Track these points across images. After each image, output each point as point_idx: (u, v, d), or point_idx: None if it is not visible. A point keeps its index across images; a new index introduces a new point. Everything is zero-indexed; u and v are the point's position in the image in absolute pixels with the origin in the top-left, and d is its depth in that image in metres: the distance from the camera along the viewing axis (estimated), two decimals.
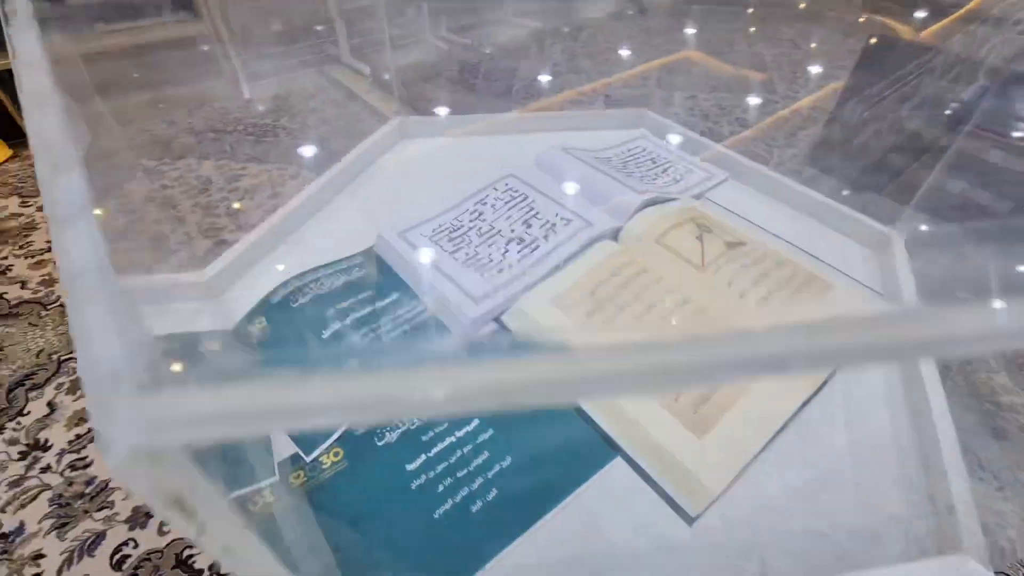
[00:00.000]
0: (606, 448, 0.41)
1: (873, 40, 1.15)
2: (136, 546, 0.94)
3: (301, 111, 2.13)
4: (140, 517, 0.98)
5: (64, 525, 0.97)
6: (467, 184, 0.66)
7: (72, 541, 0.95)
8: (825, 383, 0.45)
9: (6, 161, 1.80)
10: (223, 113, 2.10)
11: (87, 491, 1.02)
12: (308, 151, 1.91)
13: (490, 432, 0.42)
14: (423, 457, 0.41)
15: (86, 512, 0.99)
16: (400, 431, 0.42)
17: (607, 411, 0.43)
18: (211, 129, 2.01)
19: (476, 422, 0.43)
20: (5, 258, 1.47)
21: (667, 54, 2.86)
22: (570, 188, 0.61)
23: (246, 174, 1.80)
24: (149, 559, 0.94)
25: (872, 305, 0.52)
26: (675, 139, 0.74)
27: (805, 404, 0.43)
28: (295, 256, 0.56)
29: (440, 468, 0.40)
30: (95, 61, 2.05)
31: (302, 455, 0.40)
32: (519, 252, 0.53)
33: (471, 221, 0.57)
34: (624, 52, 2.88)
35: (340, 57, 2.49)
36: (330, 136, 2.00)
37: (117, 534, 0.96)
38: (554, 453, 0.41)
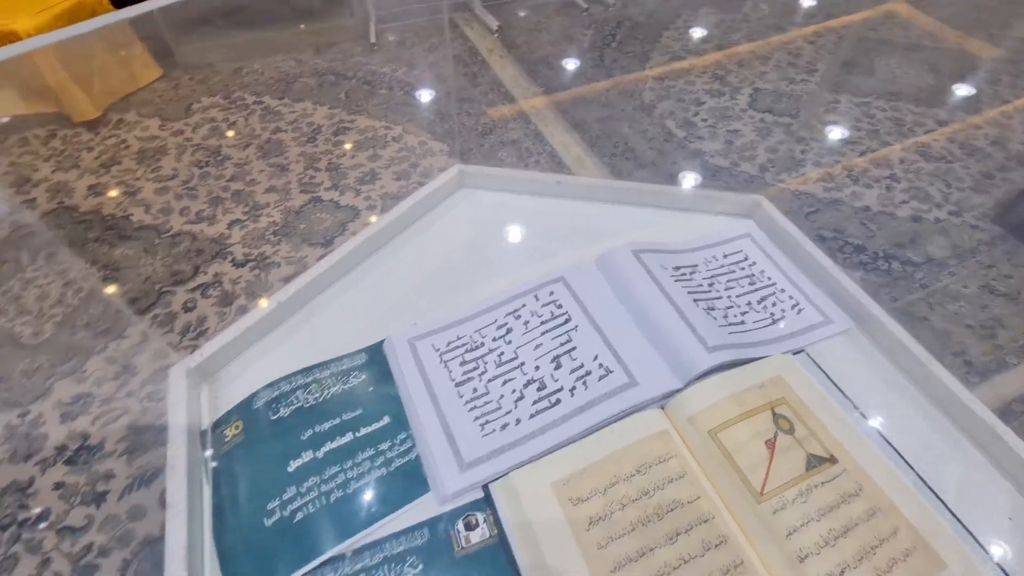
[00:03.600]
0: None
1: None
2: None
3: (420, 64, 2.07)
4: None
5: (132, 452, 1.10)
6: (514, 266, 0.57)
7: (136, 468, 1.07)
8: None
9: (155, 81, 1.95)
10: (346, 56, 2.10)
11: (157, 424, 1.14)
12: (415, 112, 1.86)
13: None
14: None
15: (151, 445, 1.11)
16: None
17: None
18: (332, 72, 2.02)
19: None
20: (138, 179, 1.62)
21: (866, 7, 2.35)
22: (626, 317, 0.49)
23: (354, 128, 1.80)
24: None
25: None
26: (788, 238, 0.57)
27: None
28: (303, 338, 0.51)
29: None
30: None
31: None
32: (535, 404, 0.44)
33: (495, 339, 0.48)
34: (808, 3, 2.44)
35: (472, 4, 2.36)
36: (441, 99, 1.93)
37: None
38: None
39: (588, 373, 0.45)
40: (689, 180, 1.67)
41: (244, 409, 0.45)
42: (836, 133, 1.86)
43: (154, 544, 0.97)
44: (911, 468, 0.43)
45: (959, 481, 0.43)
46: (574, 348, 0.47)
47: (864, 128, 1.88)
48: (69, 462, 1.07)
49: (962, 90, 2.04)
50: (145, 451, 1.07)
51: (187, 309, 1.32)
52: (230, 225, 1.50)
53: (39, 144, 1.72)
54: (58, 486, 1.03)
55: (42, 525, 0.99)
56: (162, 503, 1.01)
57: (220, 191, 1.59)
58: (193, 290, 1.35)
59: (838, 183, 1.69)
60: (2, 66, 1.72)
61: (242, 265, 1.41)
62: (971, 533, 0.40)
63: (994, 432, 0.43)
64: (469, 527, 0.40)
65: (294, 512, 0.40)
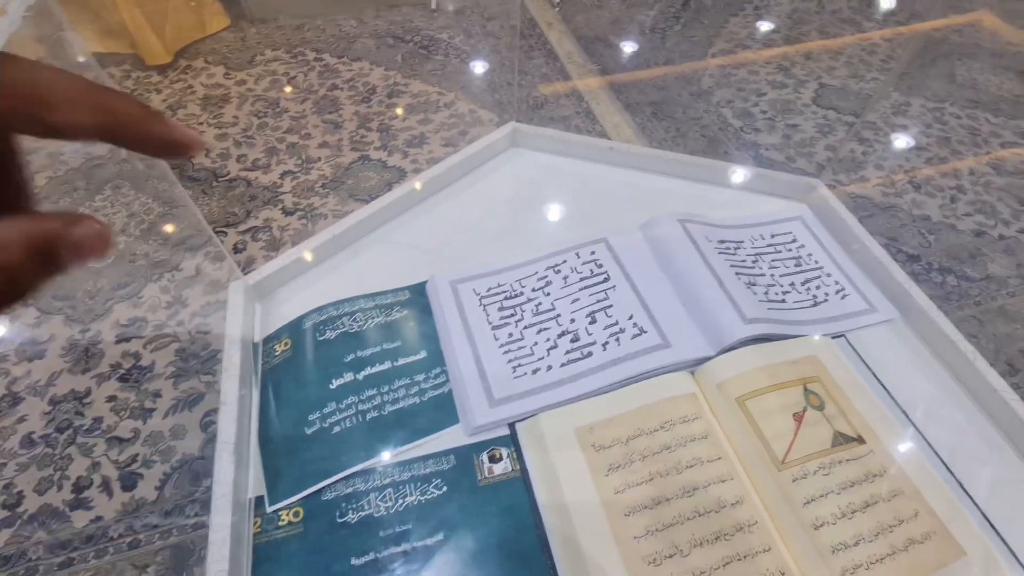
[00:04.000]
0: None
1: None
2: None
3: (477, 33, 2.07)
4: None
5: (179, 376, 1.17)
6: (558, 228, 0.58)
7: (180, 392, 1.15)
8: None
9: (223, 30, 2.01)
10: (407, 19, 2.11)
11: (202, 354, 1.21)
12: (469, 81, 1.87)
13: (440, 536, 0.38)
14: (371, 556, 0.38)
15: (196, 372, 1.18)
16: (364, 513, 0.40)
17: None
18: (391, 35, 2.04)
19: (441, 536, 0.39)
20: (200, 124, 1.69)
21: (952, 12, 2.21)
22: (665, 282, 0.50)
23: (407, 91, 1.82)
24: None
25: None
26: (842, 224, 0.56)
27: None
28: (350, 271, 0.54)
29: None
30: None
31: (265, 502, 0.40)
32: (567, 354, 0.45)
33: (534, 290, 0.50)
34: (887, 4, 2.31)
35: None
36: (495, 70, 1.93)
37: (211, 401, 1.14)
38: None
39: (622, 331, 0.46)
40: (740, 172, 1.63)
41: (294, 328, 0.48)
42: (903, 137, 1.77)
43: (192, 462, 1.04)
44: (942, 463, 0.43)
45: (992, 482, 0.42)
46: (610, 306, 0.48)
47: (934, 134, 1.78)
48: (122, 379, 1.15)
49: None
50: (190, 377, 1.15)
51: (237, 250, 1.38)
52: (283, 175, 1.55)
53: (114, 83, 1.80)
54: (111, 399, 1.12)
55: (95, 432, 1.07)
56: (203, 427, 1.08)
57: (276, 142, 1.64)
58: (244, 232, 1.41)
59: (898, 189, 1.62)
60: (87, 1, 1.79)
61: (291, 213, 1.46)
62: (997, 532, 0.40)
63: None
64: (493, 460, 0.42)
65: (332, 425, 0.42)
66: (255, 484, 0.41)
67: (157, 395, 1.12)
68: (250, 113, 1.72)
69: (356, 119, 1.72)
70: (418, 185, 0.58)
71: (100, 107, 0.13)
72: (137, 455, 1.04)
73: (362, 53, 1.95)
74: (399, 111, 1.74)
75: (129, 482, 1.01)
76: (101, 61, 1.88)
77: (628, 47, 2.06)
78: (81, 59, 1.94)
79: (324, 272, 0.54)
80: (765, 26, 2.20)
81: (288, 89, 1.81)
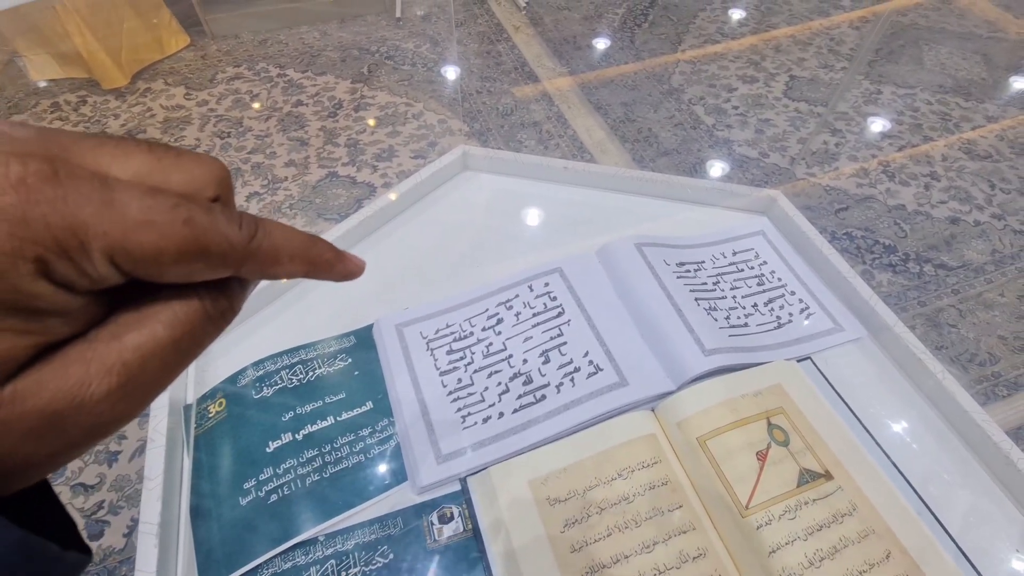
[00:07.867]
0: None
1: None
2: None
3: (444, 40, 2.03)
4: None
5: (144, 416, 1.12)
6: (513, 255, 0.55)
7: (146, 433, 1.10)
8: None
9: (183, 49, 1.96)
10: (371, 29, 2.08)
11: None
12: (437, 90, 1.83)
13: None
14: None
15: None
16: None
17: None
18: (356, 46, 2.00)
19: None
20: None
21: None
22: (622, 313, 0.48)
23: (375, 104, 1.79)
24: None
25: None
26: (804, 238, 0.54)
27: None
28: (294, 316, 0.51)
29: None
30: None
31: None
32: (519, 398, 0.43)
33: (483, 330, 0.47)
34: None
35: None
36: (464, 77, 1.90)
37: None
38: None
39: (577, 370, 0.44)
40: (715, 170, 1.62)
41: (229, 386, 0.45)
42: (875, 126, 1.77)
43: None
44: (914, 491, 0.41)
45: (967, 509, 0.41)
46: (564, 343, 0.46)
47: (906, 122, 1.78)
48: None
49: (1019, 83, 1.92)
50: None
51: None
52: (248, 197, 1.51)
53: (70, 110, 1.75)
54: None
55: (58, 480, 1.03)
56: None
57: (240, 163, 1.60)
58: None
59: (872, 179, 1.61)
60: (37, 27, 1.74)
61: None
62: (973, 566, 0.38)
63: (1008, 458, 0.41)
64: (443, 520, 0.39)
65: (268, 493, 0.40)
66: (186, 566, 0.38)
67: (122, 437, 1.08)
68: (212, 134, 1.68)
69: (323, 135, 1.68)
70: (362, 218, 0.55)
71: (311, 260, 0.15)
72: (103, 501, 1.00)
73: (326, 67, 1.91)
74: (371, 122, 1.70)
75: (95, 531, 0.97)
76: (59, 86, 1.83)
77: (597, 47, 2.04)
78: (42, 84, 1.88)
79: (266, 318, 0.51)
80: (734, 16, 2.19)
81: (252, 107, 1.76)
